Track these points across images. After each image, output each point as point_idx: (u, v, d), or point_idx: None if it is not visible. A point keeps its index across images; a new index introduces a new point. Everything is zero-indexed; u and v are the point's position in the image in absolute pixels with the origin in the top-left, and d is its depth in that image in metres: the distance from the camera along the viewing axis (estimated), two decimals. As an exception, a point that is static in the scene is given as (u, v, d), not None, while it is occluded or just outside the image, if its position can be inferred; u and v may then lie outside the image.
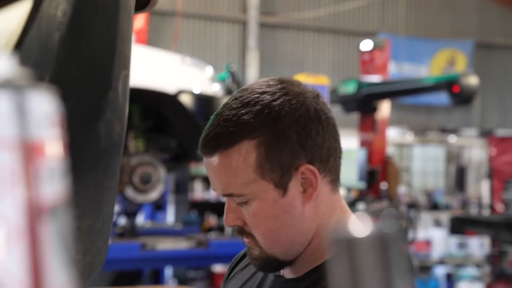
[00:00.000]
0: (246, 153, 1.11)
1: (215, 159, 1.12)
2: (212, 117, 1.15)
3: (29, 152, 0.40)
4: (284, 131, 1.11)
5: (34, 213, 0.40)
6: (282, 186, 1.12)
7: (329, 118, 1.17)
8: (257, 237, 1.16)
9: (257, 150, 1.11)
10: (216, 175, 1.13)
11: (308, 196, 1.14)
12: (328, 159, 1.15)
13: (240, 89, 1.17)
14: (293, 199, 1.13)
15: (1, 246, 0.39)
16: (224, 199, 1.18)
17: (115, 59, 0.97)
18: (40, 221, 0.40)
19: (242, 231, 1.17)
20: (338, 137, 1.19)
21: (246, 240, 1.19)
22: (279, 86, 1.14)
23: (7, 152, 0.40)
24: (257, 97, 1.12)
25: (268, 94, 1.13)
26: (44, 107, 0.42)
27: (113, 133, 0.96)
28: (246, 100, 1.12)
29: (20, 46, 0.91)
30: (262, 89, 1.14)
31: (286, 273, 1.24)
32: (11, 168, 0.40)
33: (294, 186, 1.13)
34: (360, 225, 0.33)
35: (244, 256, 1.38)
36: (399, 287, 0.33)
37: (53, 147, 0.42)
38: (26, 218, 0.40)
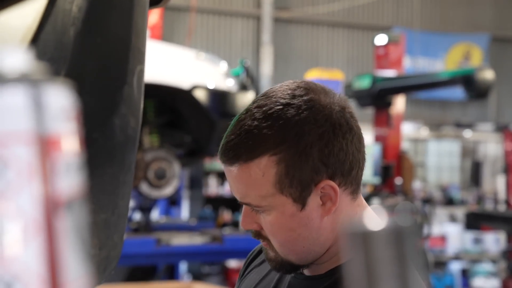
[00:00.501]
0: (265, 168, 1.09)
1: (234, 169, 1.11)
2: (233, 122, 1.13)
3: (45, 146, 0.41)
4: (306, 148, 1.08)
5: (51, 207, 0.40)
6: (301, 201, 1.11)
7: (354, 131, 1.14)
8: (273, 243, 1.15)
9: (277, 166, 1.09)
10: (235, 183, 1.13)
11: (327, 209, 1.13)
12: (350, 173, 1.13)
13: (264, 95, 1.14)
14: (311, 213, 1.12)
15: (18, 240, 0.40)
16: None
17: (130, 54, 0.97)
18: (57, 215, 0.41)
19: (258, 234, 1.17)
20: (362, 148, 1.17)
21: (262, 242, 1.19)
22: (305, 98, 1.11)
23: (24, 146, 0.40)
24: (281, 110, 1.09)
25: (293, 108, 1.10)
26: (61, 101, 0.42)
27: (128, 128, 0.96)
28: (269, 111, 1.09)
29: (36, 41, 0.91)
30: (286, 100, 1.10)
31: (306, 270, 1.23)
32: (28, 162, 0.40)
33: (313, 200, 1.12)
34: (376, 219, 0.33)
35: (260, 251, 1.37)
36: (415, 281, 0.33)
37: (69, 141, 0.42)
38: (43, 212, 0.40)
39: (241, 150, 1.09)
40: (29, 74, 0.41)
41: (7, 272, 0.39)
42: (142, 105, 1.00)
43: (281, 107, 1.09)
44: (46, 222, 0.40)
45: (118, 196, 0.97)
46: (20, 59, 0.41)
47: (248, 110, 1.12)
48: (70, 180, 0.42)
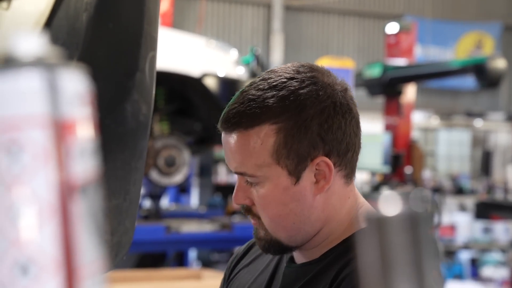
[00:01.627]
0: (265, 137, 1.11)
1: (233, 137, 1.12)
2: (237, 93, 1.15)
3: (60, 130, 0.41)
4: (306, 120, 1.10)
5: (66, 191, 0.41)
6: (296, 174, 1.12)
7: (353, 113, 1.15)
8: (264, 220, 1.16)
9: (276, 136, 1.11)
10: (232, 152, 1.13)
11: (320, 187, 1.13)
12: (346, 154, 1.14)
13: (269, 70, 1.17)
14: (304, 189, 1.13)
15: (34, 223, 0.40)
16: (236, 177, 1.18)
17: (142, 40, 0.97)
18: (72, 199, 0.41)
19: (249, 210, 1.17)
20: (359, 133, 1.18)
21: (252, 221, 1.19)
22: (308, 75, 1.13)
23: (39, 130, 0.40)
24: (285, 82, 1.11)
25: (296, 81, 1.12)
26: (76, 86, 0.42)
27: (140, 114, 0.96)
28: (273, 83, 1.11)
29: (49, 26, 0.91)
30: (291, 75, 1.13)
31: (298, 258, 1.23)
32: (43, 146, 0.40)
33: (307, 176, 1.12)
34: (390, 205, 0.33)
35: (245, 253, 1.37)
36: (429, 267, 0.33)
37: (84, 125, 0.42)
38: (58, 196, 0.40)
39: (242, 118, 1.11)
40: (44, 58, 0.41)
41: (22, 255, 0.40)
42: (154, 92, 1.00)
43: (285, 79, 1.11)
44: (61, 206, 0.40)
45: (130, 182, 0.97)
46: (35, 44, 0.41)
47: (252, 82, 1.15)
48: (84, 164, 0.42)
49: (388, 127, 8.39)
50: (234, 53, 5.04)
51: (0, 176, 0.40)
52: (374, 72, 8.20)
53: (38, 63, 0.41)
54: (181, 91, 4.84)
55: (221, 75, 4.75)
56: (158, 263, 5.50)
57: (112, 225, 0.95)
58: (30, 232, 0.40)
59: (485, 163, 12.02)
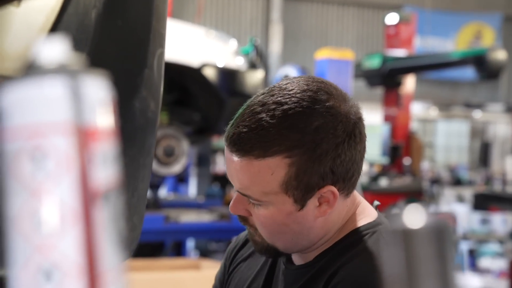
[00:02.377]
0: (276, 168, 1.08)
1: (242, 162, 1.09)
2: (244, 110, 1.10)
3: (83, 137, 0.41)
4: (320, 156, 1.08)
5: (89, 197, 0.41)
6: (301, 202, 1.11)
7: (364, 142, 1.14)
8: (261, 232, 1.15)
9: (288, 168, 1.08)
10: (238, 174, 1.11)
11: (322, 211, 1.13)
12: (351, 179, 1.14)
13: (281, 88, 1.10)
14: (307, 213, 1.13)
15: (57, 229, 0.40)
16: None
17: (150, 37, 0.97)
18: (94, 205, 0.41)
19: (245, 220, 1.17)
20: (364, 154, 1.17)
21: (248, 227, 1.19)
22: (326, 105, 1.09)
23: (63, 137, 0.40)
24: (302, 113, 1.07)
25: (315, 114, 1.08)
26: (98, 93, 0.42)
27: (148, 111, 0.96)
28: (290, 112, 1.07)
29: (59, 23, 0.91)
30: (308, 104, 1.08)
31: (296, 260, 1.23)
32: (66, 152, 0.40)
33: (312, 202, 1.12)
34: (415, 216, 0.34)
35: (244, 243, 1.37)
36: (454, 278, 0.33)
37: (106, 132, 0.43)
38: (81, 202, 0.41)
39: (255, 145, 1.07)
40: (67, 65, 0.41)
41: (46, 260, 0.40)
42: (162, 88, 1.00)
43: (301, 109, 1.07)
44: (84, 212, 0.41)
45: (138, 179, 0.98)
46: (58, 50, 0.42)
47: (264, 103, 1.09)
48: (107, 170, 0.42)
49: (387, 118, 8.40)
50: (233, 44, 5.03)
51: (24, 182, 0.40)
52: (373, 63, 8.19)
53: (61, 70, 0.41)
54: (180, 81, 4.83)
55: (220, 65, 4.74)
56: (156, 252, 5.51)
57: (120, 221, 0.95)
58: (54, 238, 0.40)
59: (483, 154, 12.05)
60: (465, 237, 8.95)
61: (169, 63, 4.52)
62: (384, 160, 7.98)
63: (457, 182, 11.07)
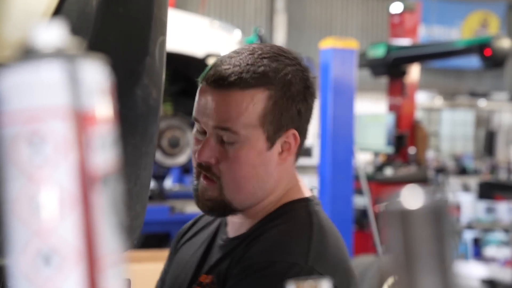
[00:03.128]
0: (257, 100, 1.18)
1: (226, 94, 1.18)
2: (228, 54, 1.21)
3: (81, 121, 0.41)
4: (293, 95, 1.21)
5: (87, 181, 0.41)
6: (271, 140, 1.21)
7: (315, 99, 1.27)
8: (225, 180, 1.21)
9: (267, 101, 1.19)
10: (220, 107, 1.18)
11: (283, 158, 1.24)
12: (305, 135, 1.26)
13: (248, 47, 1.23)
14: (272, 156, 1.22)
15: (56, 213, 0.40)
16: (200, 137, 1.22)
17: (152, 24, 0.97)
18: (93, 189, 0.41)
19: (209, 169, 1.22)
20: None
21: (205, 182, 1.23)
22: (293, 55, 1.25)
23: (61, 121, 0.40)
24: (278, 57, 1.21)
25: (287, 59, 1.22)
26: (96, 77, 0.42)
27: (150, 98, 0.96)
28: (269, 55, 1.20)
29: (60, 11, 0.91)
30: (280, 53, 1.23)
31: (231, 232, 1.30)
32: (64, 137, 0.40)
33: (277, 145, 1.22)
34: (413, 198, 0.33)
35: (190, 227, 1.45)
36: (452, 258, 0.33)
37: (104, 116, 0.43)
38: (79, 186, 0.41)
39: (241, 79, 1.17)
40: (64, 49, 0.41)
41: (45, 245, 0.40)
42: (163, 76, 1.00)
43: (275, 55, 1.21)
44: (83, 196, 0.41)
45: (141, 167, 0.98)
46: (55, 34, 0.41)
47: (238, 52, 1.22)
48: (105, 154, 0.42)
49: (392, 108, 8.37)
50: (237, 34, 5.02)
51: (22, 167, 0.40)
52: (378, 52, 8.16)
53: (59, 54, 0.41)
54: (184, 72, 4.83)
55: (225, 55, 4.73)
56: (162, 243, 5.53)
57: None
58: (52, 222, 0.40)
59: (488, 143, 12.01)
60: (470, 226, 8.94)
61: (174, 53, 4.52)
62: (389, 150, 7.96)
63: (462, 171, 11.05)
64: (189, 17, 5.24)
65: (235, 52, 1.22)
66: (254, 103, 1.18)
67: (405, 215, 0.32)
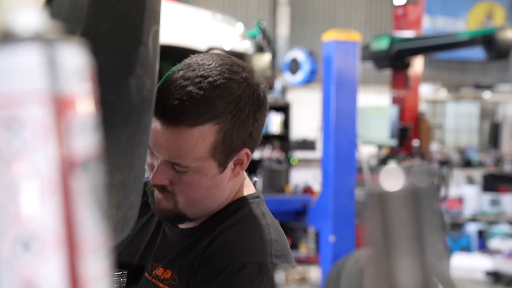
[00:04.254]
0: (207, 134, 1.18)
1: (175, 131, 1.17)
2: (167, 84, 1.18)
3: (60, 106, 0.40)
4: (244, 121, 1.20)
5: (67, 167, 0.40)
6: (223, 165, 1.22)
7: (267, 109, 1.27)
8: (179, 199, 1.23)
9: (217, 134, 1.18)
10: (170, 144, 1.18)
11: (236, 173, 1.26)
12: (258, 143, 1.27)
13: (199, 63, 1.20)
14: (225, 175, 1.24)
15: (35, 199, 0.40)
16: (155, 161, 1.23)
17: (145, 14, 0.96)
18: (73, 175, 0.41)
19: (163, 189, 1.24)
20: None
21: (160, 195, 1.25)
22: (243, 75, 1.22)
23: (39, 106, 0.40)
24: (227, 83, 1.18)
25: (236, 83, 1.20)
26: (75, 61, 0.42)
27: (144, 89, 0.96)
28: (215, 83, 1.18)
29: (51, 1, 0.90)
30: (228, 75, 1.20)
31: (182, 224, 1.32)
32: (42, 122, 0.40)
33: (230, 164, 1.24)
34: (391, 179, 0.33)
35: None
36: (431, 241, 0.33)
37: (84, 101, 0.42)
38: (58, 172, 0.40)
39: (187, 115, 1.15)
40: (43, 33, 0.41)
41: (24, 230, 0.40)
42: (157, 66, 0.99)
43: (224, 81, 1.18)
44: (62, 182, 0.40)
45: (135, 157, 0.97)
46: (34, 18, 0.41)
47: (188, 77, 1.18)
48: (85, 140, 0.42)
49: (395, 100, 8.35)
50: (240, 27, 5.01)
51: (0, 152, 0.40)
52: (381, 44, 8.14)
53: (37, 38, 0.40)
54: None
55: (227, 48, 4.73)
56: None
57: (117, 200, 0.95)
58: (32, 207, 0.40)
59: (493, 135, 11.98)
60: (475, 218, 8.93)
61: (176, 46, 4.52)
62: (393, 143, 7.95)
63: (467, 163, 11.02)
64: (191, 10, 5.23)
65: (183, 77, 1.18)
66: (204, 139, 1.18)
67: (383, 197, 0.32)
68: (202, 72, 1.18)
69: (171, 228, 1.34)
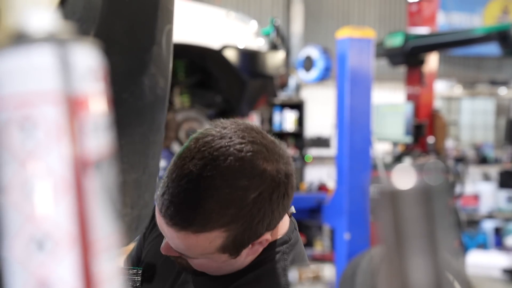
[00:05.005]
0: (214, 239, 1.09)
1: (179, 234, 1.09)
2: (176, 171, 1.05)
3: (73, 106, 0.41)
4: (257, 224, 1.10)
5: (80, 166, 0.41)
6: (236, 254, 1.14)
7: (293, 194, 1.16)
8: (192, 264, 1.17)
9: (226, 238, 1.09)
10: (175, 241, 1.11)
11: (254, 251, 1.16)
12: (278, 223, 1.16)
13: (213, 148, 1.06)
14: (241, 257, 1.16)
15: (49, 198, 0.40)
16: None
17: (158, 13, 0.96)
18: (86, 174, 0.41)
19: (176, 257, 1.18)
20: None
21: (176, 258, 1.19)
22: (262, 170, 1.08)
23: (52, 106, 0.40)
24: (240, 187, 1.06)
25: (253, 185, 1.07)
26: (88, 61, 0.42)
27: (157, 87, 0.96)
28: (227, 190, 1.05)
29: (65, 1, 0.91)
30: (245, 175, 1.06)
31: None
32: (56, 122, 0.40)
33: (246, 250, 1.15)
34: (403, 178, 0.33)
35: (155, 224, 1.34)
36: (444, 239, 0.32)
37: (97, 101, 0.42)
38: (72, 171, 0.40)
39: (193, 222, 1.06)
40: (56, 34, 0.41)
41: (38, 230, 0.40)
42: (171, 65, 0.99)
43: (239, 183, 1.06)
44: (76, 181, 0.40)
45: (149, 156, 0.97)
46: (47, 19, 0.41)
47: (198, 173, 1.05)
48: (98, 139, 0.42)
49: (410, 97, 8.31)
50: (254, 25, 5.01)
51: (14, 152, 0.40)
52: (395, 41, 8.10)
53: (50, 38, 0.41)
54: (201, 64, 4.83)
55: (241, 46, 4.73)
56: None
57: (132, 198, 0.95)
58: (45, 207, 0.40)
59: (509, 131, 11.87)
60: (491, 215, 8.87)
61: (190, 45, 4.52)
62: (408, 140, 7.91)
63: (482, 160, 10.94)
64: (205, 8, 5.23)
65: (195, 165, 1.04)
66: (210, 242, 1.09)
67: (395, 195, 0.32)
68: (214, 172, 1.05)
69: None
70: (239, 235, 1.09)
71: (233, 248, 1.11)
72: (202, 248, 1.09)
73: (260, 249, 1.16)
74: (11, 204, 0.40)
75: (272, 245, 1.19)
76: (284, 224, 1.23)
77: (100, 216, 0.41)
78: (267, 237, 1.14)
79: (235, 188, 1.04)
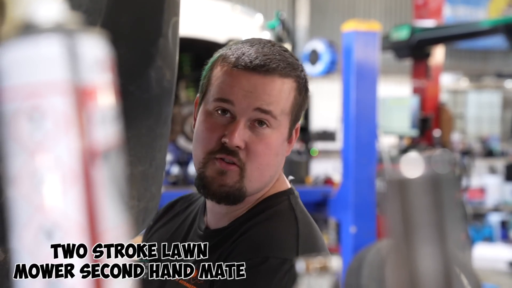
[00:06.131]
0: (291, 89, 1.23)
1: (267, 78, 1.19)
2: (242, 45, 1.22)
3: (81, 96, 0.41)
4: (306, 90, 1.27)
5: (88, 157, 0.41)
6: (290, 131, 1.26)
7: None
8: (250, 167, 1.20)
9: (296, 92, 1.24)
10: (263, 90, 1.19)
11: (289, 148, 1.28)
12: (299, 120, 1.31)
13: (265, 40, 1.26)
14: (285, 147, 1.26)
15: (57, 189, 0.40)
16: (223, 121, 1.20)
17: (165, 5, 0.96)
18: (94, 165, 0.41)
19: (236, 154, 1.20)
20: None
21: (229, 167, 1.20)
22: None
23: (60, 97, 0.40)
24: (290, 54, 1.26)
25: (292, 56, 1.26)
26: (96, 52, 0.42)
27: (164, 80, 0.96)
28: (285, 51, 1.24)
29: (71, -7, 0.91)
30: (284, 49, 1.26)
31: (212, 224, 1.30)
32: (64, 112, 0.40)
33: (290, 136, 1.27)
34: (412, 167, 0.33)
35: (165, 213, 1.40)
36: (452, 229, 0.32)
37: (105, 91, 0.42)
38: (80, 162, 0.41)
39: (281, 65, 1.20)
40: (63, 24, 0.41)
41: (47, 220, 0.40)
42: (177, 58, 0.99)
43: (287, 50, 1.26)
44: (84, 172, 0.41)
45: (155, 149, 0.98)
46: (54, 10, 0.41)
47: (256, 41, 1.23)
48: (106, 130, 0.42)
49: (416, 90, 8.29)
50: (259, 18, 5.00)
51: (23, 143, 0.40)
52: (401, 34, 8.07)
53: (58, 29, 0.41)
54: (207, 57, 4.82)
55: (247, 40, 4.72)
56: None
57: (138, 191, 0.95)
58: (54, 197, 0.40)
59: (515, 125, 11.84)
60: (497, 208, 8.85)
61: (196, 39, 4.52)
62: (414, 133, 7.90)
63: (488, 153, 10.93)
64: (210, 2, 5.23)
65: (249, 43, 1.23)
66: (289, 92, 1.22)
67: (403, 184, 0.32)
68: (263, 41, 1.24)
69: (200, 229, 1.31)
70: (299, 96, 1.24)
71: (296, 112, 1.25)
72: (285, 99, 1.21)
73: (290, 149, 1.29)
74: (20, 194, 0.40)
75: (279, 194, 1.29)
76: (287, 182, 1.34)
77: (108, 207, 0.41)
78: (298, 126, 1.29)
79: (290, 55, 1.24)
